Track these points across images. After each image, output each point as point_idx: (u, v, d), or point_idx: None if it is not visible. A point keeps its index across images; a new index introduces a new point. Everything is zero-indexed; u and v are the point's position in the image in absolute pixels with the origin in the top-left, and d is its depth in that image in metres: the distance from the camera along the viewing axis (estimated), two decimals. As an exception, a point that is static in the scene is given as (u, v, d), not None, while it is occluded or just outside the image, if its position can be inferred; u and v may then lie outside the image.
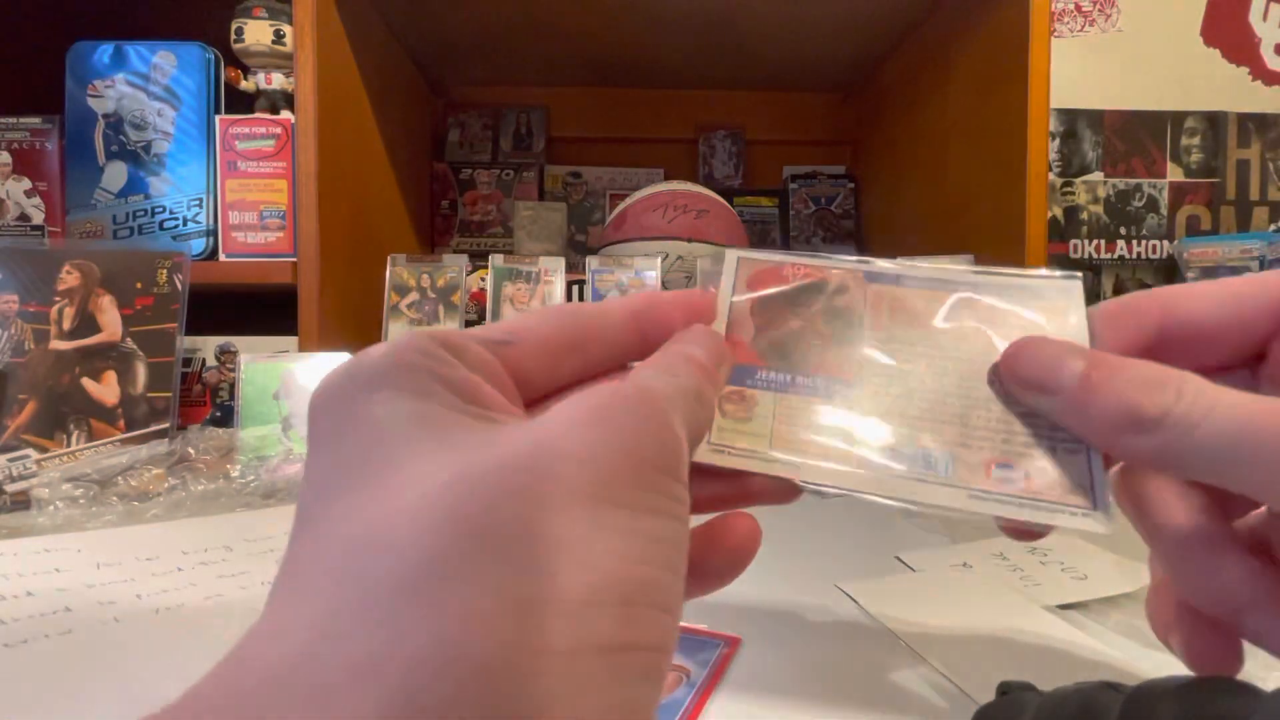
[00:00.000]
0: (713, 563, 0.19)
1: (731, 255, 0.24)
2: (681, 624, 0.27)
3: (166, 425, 0.67)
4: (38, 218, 0.81)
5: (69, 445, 0.63)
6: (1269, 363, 0.21)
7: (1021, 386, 0.20)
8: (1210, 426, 0.17)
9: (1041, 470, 0.20)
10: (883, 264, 0.24)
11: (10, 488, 0.56)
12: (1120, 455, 0.20)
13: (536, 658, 0.11)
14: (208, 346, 0.79)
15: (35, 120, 0.81)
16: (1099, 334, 0.21)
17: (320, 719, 0.10)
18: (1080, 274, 0.23)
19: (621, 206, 0.97)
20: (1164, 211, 1.35)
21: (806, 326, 0.23)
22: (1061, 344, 0.20)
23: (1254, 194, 1.36)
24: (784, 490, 0.21)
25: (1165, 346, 0.21)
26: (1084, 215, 1.34)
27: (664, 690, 0.16)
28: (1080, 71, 1.33)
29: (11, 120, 0.81)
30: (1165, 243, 1.34)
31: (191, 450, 0.61)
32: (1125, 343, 0.21)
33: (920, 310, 0.23)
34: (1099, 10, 1.34)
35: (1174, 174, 1.35)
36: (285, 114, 0.82)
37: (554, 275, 0.84)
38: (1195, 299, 0.21)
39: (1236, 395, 0.17)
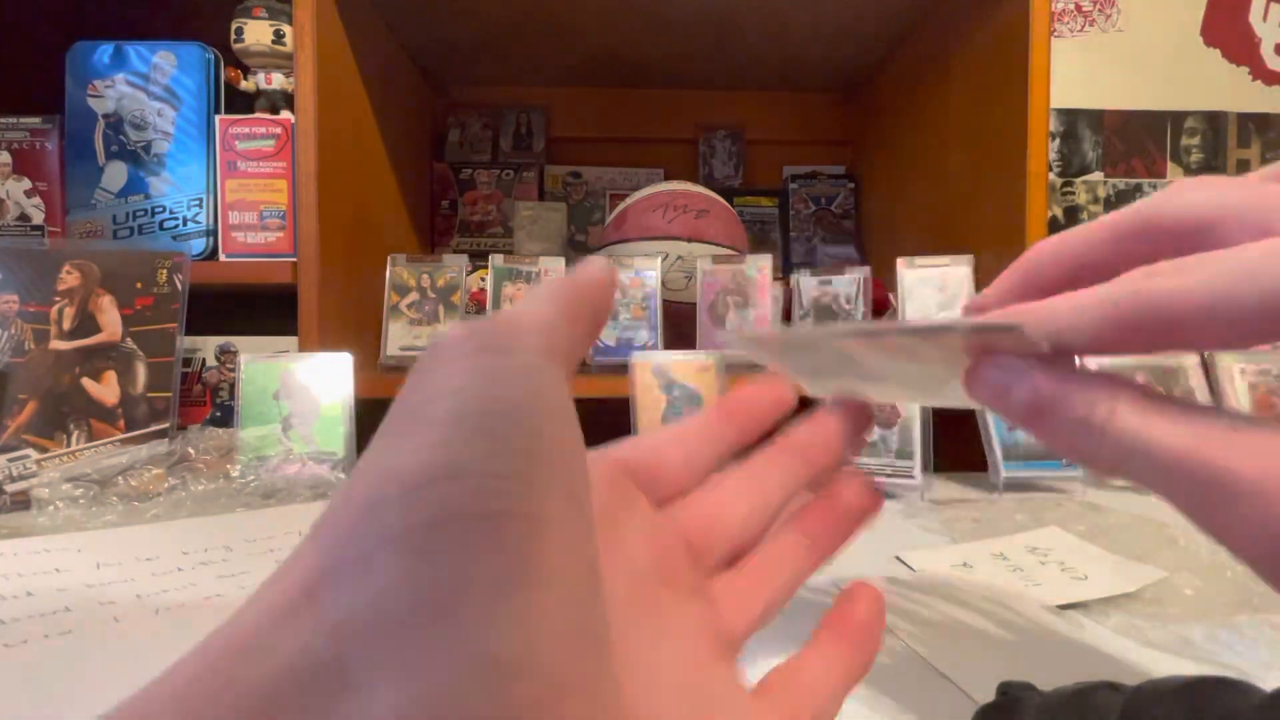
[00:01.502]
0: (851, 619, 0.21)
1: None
2: None
3: (166, 425, 0.67)
4: (38, 218, 0.81)
5: (69, 445, 0.63)
6: None
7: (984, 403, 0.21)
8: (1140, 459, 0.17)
9: None
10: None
11: (10, 488, 0.56)
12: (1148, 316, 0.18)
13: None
14: (208, 346, 0.79)
15: (35, 120, 0.81)
16: (1085, 257, 0.21)
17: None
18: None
19: (621, 206, 0.97)
20: (1164, 211, 1.35)
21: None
22: (1010, 366, 0.19)
23: (1254, 194, 1.36)
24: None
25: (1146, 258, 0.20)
26: (1084, 215, 1.34)
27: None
28: (1080, 71, 1.33)
29: (11, 120, 0.81)
30: (1165, 243, 1.34)
31: (191, 450, 0.61)
32: (1113, 264, 0.20)
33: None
34: (1099, 10, 1.34)
35: (1174, 174, 1.35)
36: (285, 114, 0.82)
37: (554, 275, 0.84)
38: (1166, 204, 0.20)
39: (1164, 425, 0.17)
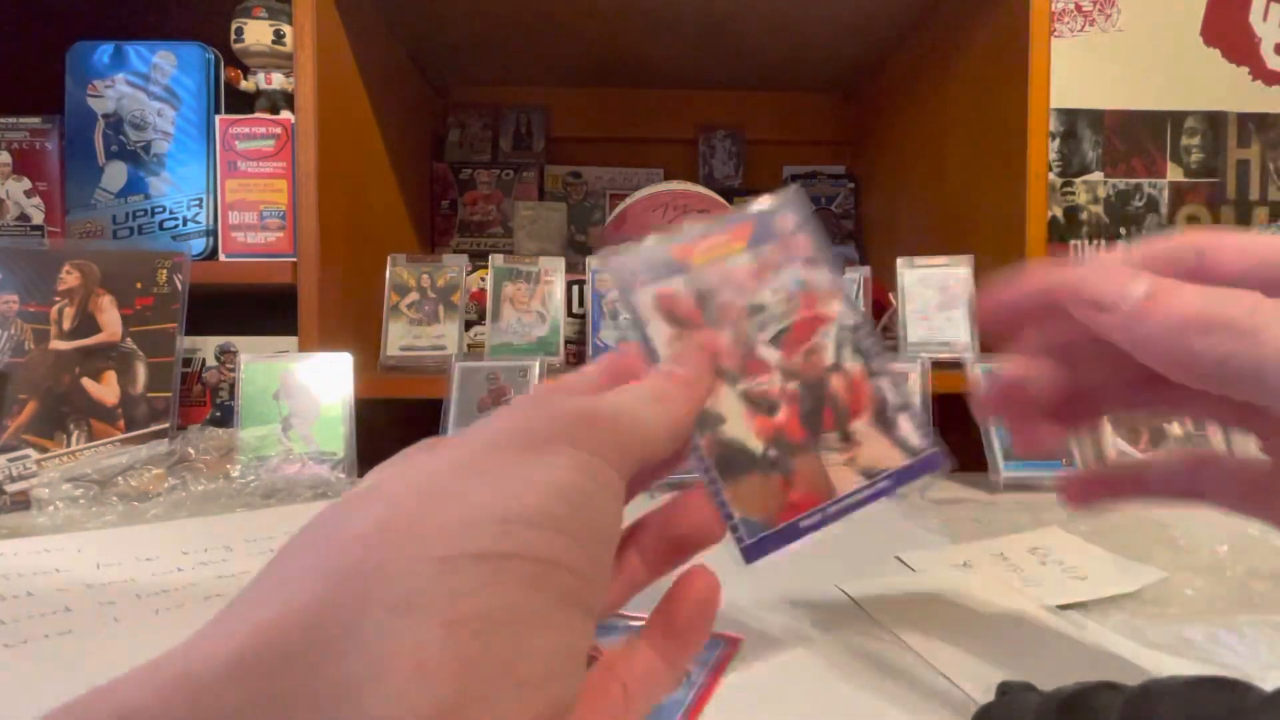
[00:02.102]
0: (678, 616, 0.21)
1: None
2: None
3: (166, 425, 0.67)
4: (38, 218, 0.81)
5: (69, 445, 0.63)
6: None
7: (1086, 314, 0.22)
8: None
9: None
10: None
11: (10, 488, 0.56)
12: (1188, 366, 0.20)
13: (411, 561, 0.14)
14: (208, 346, 0.79)
15: (35, 120, 0.81)
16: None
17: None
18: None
19: (621, 206, 0.97)
20: (1164, 211, 1.35)
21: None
22: (1124, 269, 0.22)
23: (1254, 194, 1.36)
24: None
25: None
26: (1084, 215, 1.34)
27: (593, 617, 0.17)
28: (1080, 71, 1.33)
29: (11, 120, 0.81)
30: (1165, 243, 1.34)
31: (191, 450, 0.61)
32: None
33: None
34: (1099, 10, 1.34)
35: (1174, 174, 1.35)
36: (285, 114, 0.82)
37: (554, 275, 0.84)
38: (1226, 245, 0.22)
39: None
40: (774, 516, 0.24)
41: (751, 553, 0.24)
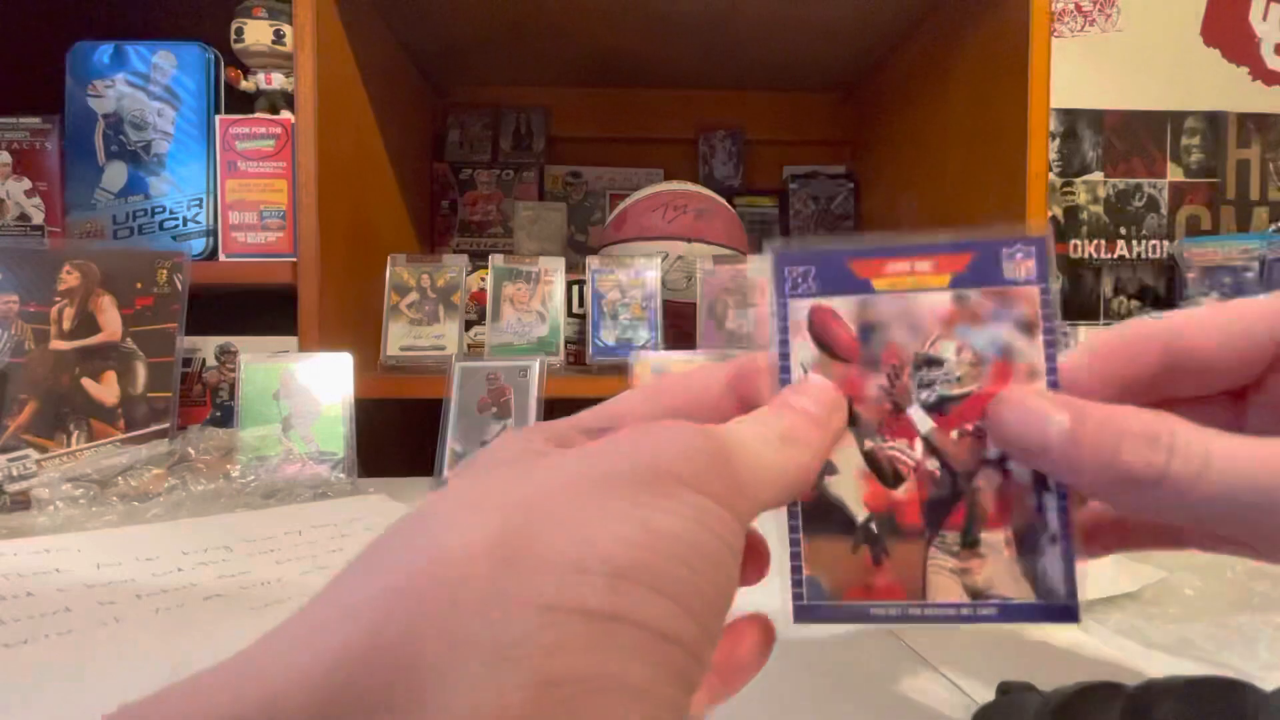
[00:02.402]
0: (728, 663, 0.20)
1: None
2: None
3: (166, 425, 0.67)
4: (38, 218, 0.81)
5: (69, 445, 0.63)
6: (1265, 390, 0.21)
7: (1011, 450, 0.21)
8: (1208, 481, 0.17)
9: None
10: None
11: (10, 488, 0.56)
12: (1121, 510, 0.20)
13: (511, 605, 0.13)
14: (208, 346, 0.79)
15: (35, 120, 0.81)
16: (1097, 368, 0.21)
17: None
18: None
19: (621, 206, 0.98)
20: (1164, 211, 1.35)
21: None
22: (1040, 400, 0.20)
23: (1254, 194, 1.36)
24: None
25: (1171, 379, 0.21)
26: (1084, 215, 1.34)
27: (694, 706, 0.16)
28: (1080, 71, 1.33)
29: (11, 120, 0.81)
30: (1165, 243, 1.34)
31: (191, 450, 0.61)
32: (1126, 378, 0.21)
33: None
34: (1099, 10, 1.34)
35: (1174, 174, 1.35)
36: (285, 114, 0.82)
37: (554, 275, 0.84)
38: (1195, 330, 0.20)
39: (1229, 442, 0.17)
40: (844, 591, 0.21)
41: (803, 614, 0.21)
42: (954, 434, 0.22)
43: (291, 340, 0.76)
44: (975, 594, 0.21)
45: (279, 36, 0.82)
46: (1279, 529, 0.17)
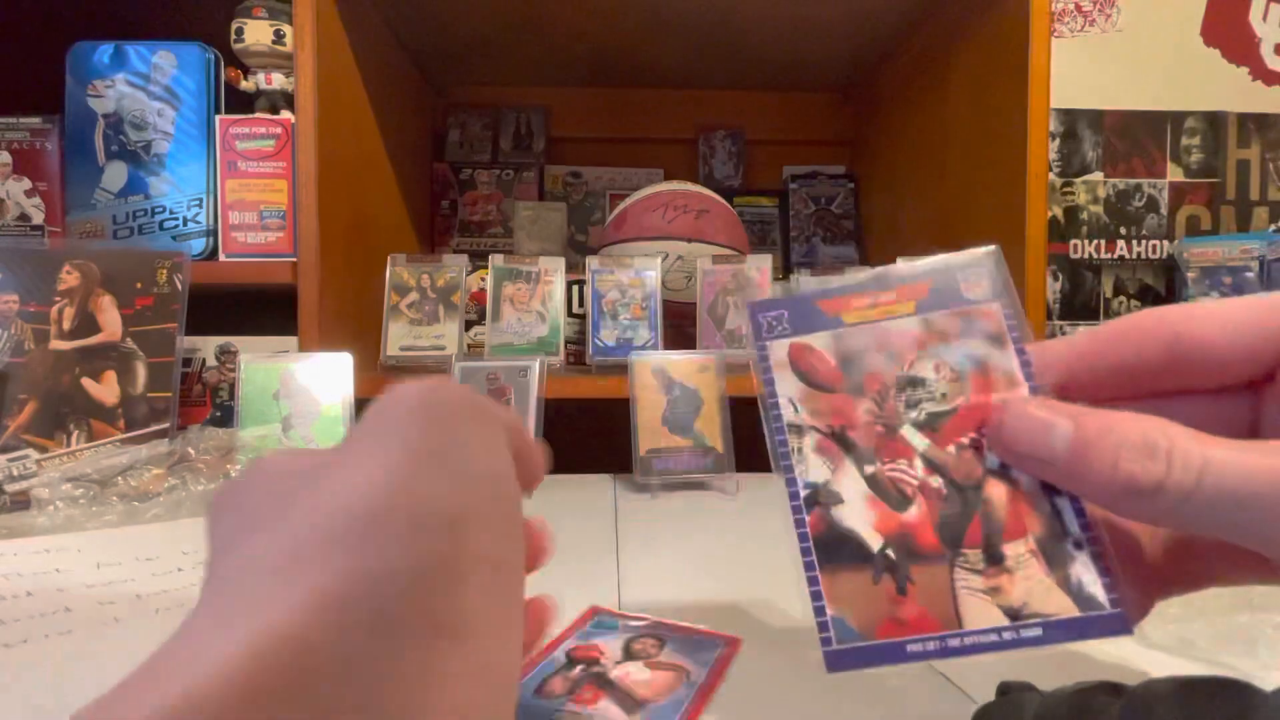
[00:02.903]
0: None
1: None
2: (683, 624, 0.28)
3: (166, 425, 0.67)
4: (38, 218, 0.81)
5: (69, 445, 0.63)
6: (1277, 384, 0.21)
7: (1015, 460, 0.21)
8: (1206, 489, 0.17)
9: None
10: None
11: (10, 488, 0.56)
12: (1122, 516, 0.20)
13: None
14: (208, 346, 0.79)
15: (35, 120, 0.81)
16: (1104, 353, 0.21)
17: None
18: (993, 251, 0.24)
19: (621, 206, 0.97)
20: (1164, 211, 1.35)
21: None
22: (1042, 410, 0.20)
23: (1254, 194, 1.36)
24: None
25: (1171, 370, 0.21)
26: (1084, 215, 1.34)
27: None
28: (1080, 71, 1.33)
29: (11, 120, 0.81)
30: (1165, 243, 1.34)
31: (191, 450, 0.61)
32: (1130, 365, 0.21)
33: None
34: (1099, 10, 1.34)
35: (1174, 174, 1.35)
36: (285, 114, 0.82)
37: (554, 275, 0.84)
38: (1205, 323, 0.20)
39: (1227, 450, 0.17)
40: (874, 628, 0.20)
41: (837, 660, 0.20)
42: (951, 449, 0.22)
43: (291, 340, 0.76)
44: (1013, 614, 0.20)
45: (279, 36, 0.82)
46: (1271, 536, 0.17)
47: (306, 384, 0.67)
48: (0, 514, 0.54)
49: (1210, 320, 0.20)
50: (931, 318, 0.23)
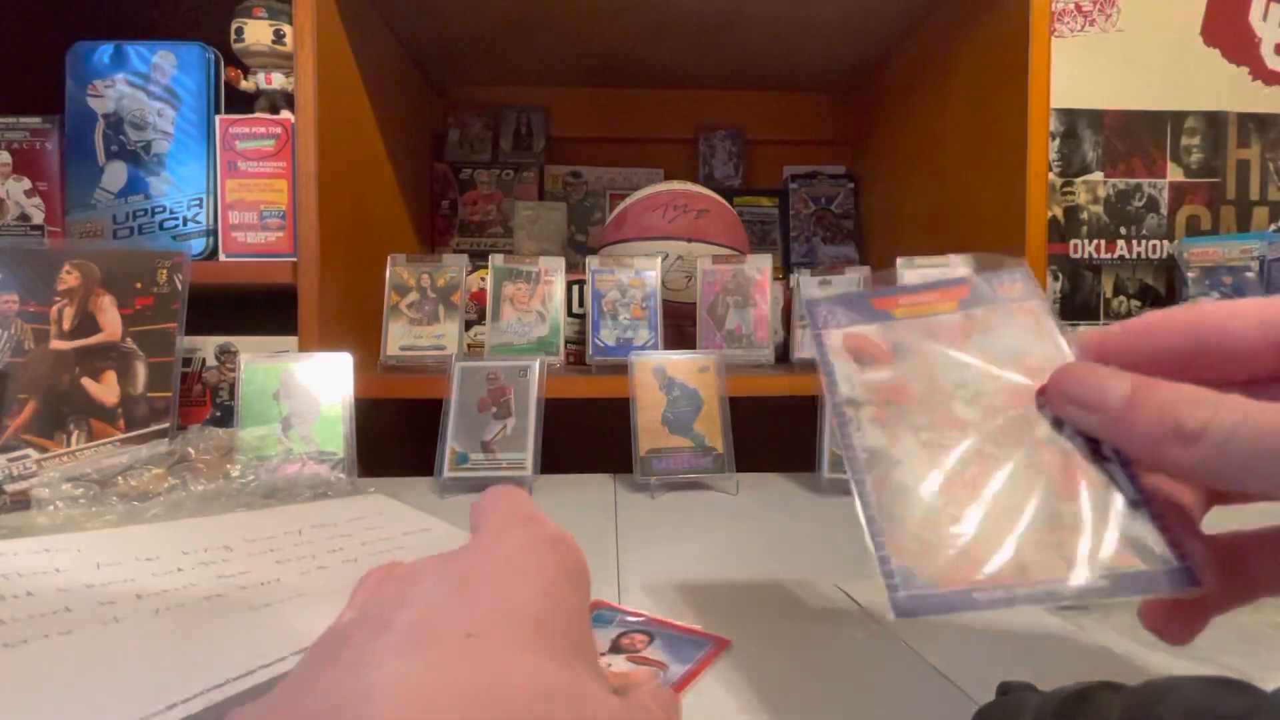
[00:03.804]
0: None
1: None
2: (673, 622, 0.29)
3: (166, 425, 0.67)
4: (38, 218, 0.81)
5: (69, 445, 0.63)
6: None
7: (1069, 412, 0.23)
8: (1246, 435, 0.18)
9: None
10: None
11: (10, 488, 0.56)
12: (1163, 467, 0.21)
13: None
14: (208, 346, 0.79)
15: (35, 120, 0.81)
16: (1134, 344, 0.23)
17: None
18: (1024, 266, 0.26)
19: (621, 206, 0.97)
20: (1164, 211, 1.35)
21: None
22: (1102, 369, 0.22)
23: (1254, 194, 1.36)
24: None
25: (1199, 361, 0.22)
26: (1084, 215, 1.34)
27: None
28: (1080, 71, 1.33)
29: (11, 120, 0.81)
30: (1165, 243, 1.34)
31: (191, 450, 0.61)
32: (1161, 354, 0.22)
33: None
34: (1099, 10, 1.34)
35: (1174, 174, 1.35)
36: (285, 114, 0.82)
37: (554, 275, 0.84)
38: (1236, 320, 0.21)
39: (1263, 406, 0.19)
40: (942, 578, 0.21)
41: (905, 605, 0.21)
42: (1000, 419, 0.23)
43: (291, 340, 0.76)
44: (1078, 567, 0.21)
45: (279, 36, 0.82)
46: None
47: (306, 384, 0.67)
48: (0, 514, 0.54)
49: (1239, 318, 0.22)
50: (973, 312, 0.25)
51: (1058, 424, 0.23)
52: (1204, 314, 0.22)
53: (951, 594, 0.21)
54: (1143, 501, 0.21)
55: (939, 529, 0.22)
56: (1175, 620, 0.22)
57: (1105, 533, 0.21)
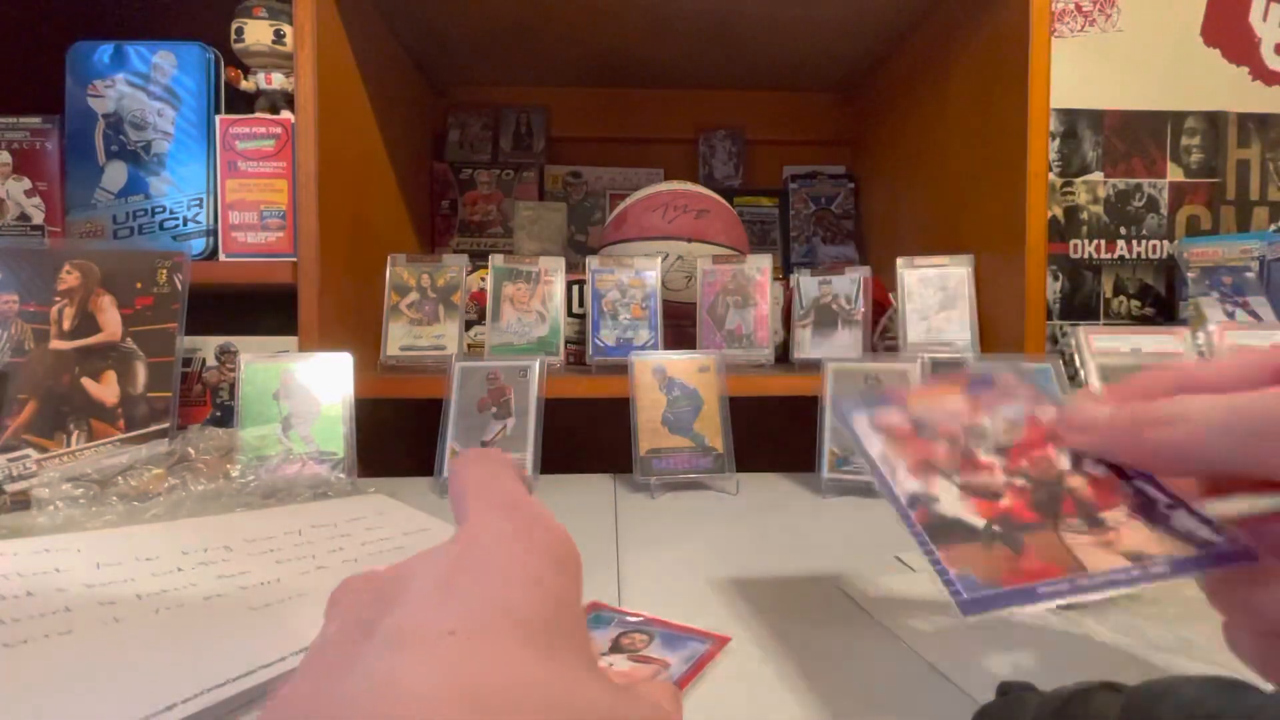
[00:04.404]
0: None
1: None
2: (675, 622, 0.29)
3: (166, 425, 0.67)
4: (38, 218, 0.81)
5: (69, 445, 0.63)
6: None
7: (1072, 436, 0.26)
8: (1214, 416, 0.21)
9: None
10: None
11: (10, 488, 0.56)
12: (1161, 462, 0.24)
13: None
14: (208, 346, 0.79)
15: (35, 120, 0.81)
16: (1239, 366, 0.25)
17: None
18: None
19: (621, 206, 0.98)
20: (1164, 211, 1.35)
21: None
22: (1093, 403, 0.26)
23: (1254, 194, 1.36)
24: None
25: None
26: (1084, 215, 1.34)
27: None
28: (1080, 71, 1.33)
29: (11, 120, 0.81)
30: (1165, 243, 1.34)
31: (191, 450, 0.61)
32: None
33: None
34: (1099, 10, 1.34)
35: (1174, 174, 1.35)
36: (285, 114, 0.82)
37: (554, 275, 0.84)
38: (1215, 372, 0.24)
39: (1236, 393, 0.21)
40: (1000, 579, 0.22)
41: (970, 606, 0.21)
42: (1023, 461, 0.27)
43: (291, 340, 0.76)
44: (1133, 558, 0.22)
45: (279, 36, 0.82)
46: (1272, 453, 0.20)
47: (306, 384, 0.67)
48: (0, 514, 0.54)
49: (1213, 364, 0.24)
50: (977, 394, 0.30)
51: (1076, 460, 0.26)
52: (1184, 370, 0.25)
53: (1014, 591, 0.22)
54: (1180, 503, 0.24)
55: (990, 547, 0.23)
56: (1242, 595, 0.24)
57: (1153, 527, 0.23)
